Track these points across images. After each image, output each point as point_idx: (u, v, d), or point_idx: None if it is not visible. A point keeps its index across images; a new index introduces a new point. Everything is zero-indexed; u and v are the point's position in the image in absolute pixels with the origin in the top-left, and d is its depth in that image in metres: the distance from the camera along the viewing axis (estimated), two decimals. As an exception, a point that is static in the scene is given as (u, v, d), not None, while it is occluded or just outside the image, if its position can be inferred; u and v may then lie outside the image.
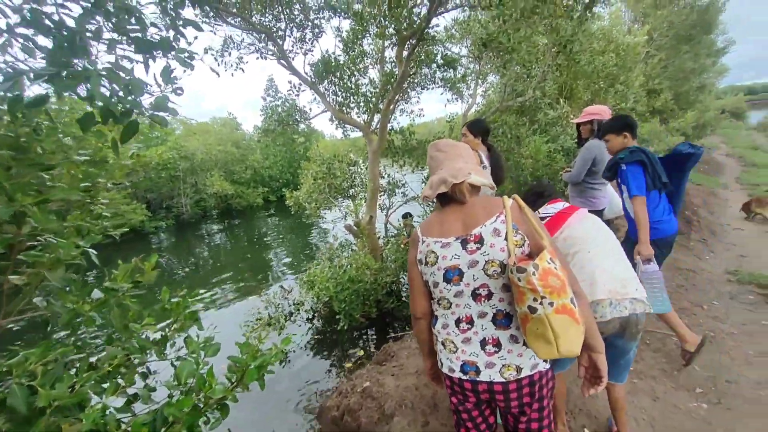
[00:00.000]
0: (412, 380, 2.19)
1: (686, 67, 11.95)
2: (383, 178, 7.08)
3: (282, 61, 4.92)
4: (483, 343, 1.13)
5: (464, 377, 1.15)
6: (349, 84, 5.49)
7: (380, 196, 7.07)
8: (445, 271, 1.15)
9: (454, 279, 1.14)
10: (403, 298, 5.13)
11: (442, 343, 1.20)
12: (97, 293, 1.36)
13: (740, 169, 11.04)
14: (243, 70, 5.25)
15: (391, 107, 5.13)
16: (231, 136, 18.73)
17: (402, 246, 5.58)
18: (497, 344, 1.12)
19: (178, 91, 1.68)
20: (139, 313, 1.44)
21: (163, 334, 1.66)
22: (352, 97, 5.61)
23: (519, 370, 1.10)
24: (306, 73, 5.13)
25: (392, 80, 5.06)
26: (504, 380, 1.10)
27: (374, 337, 5.08)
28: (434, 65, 5.06)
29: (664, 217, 2.41)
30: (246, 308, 6.62)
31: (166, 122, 1.38)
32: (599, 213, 3.10)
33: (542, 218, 1.77)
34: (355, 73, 5.56)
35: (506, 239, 1.08)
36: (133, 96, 1.26)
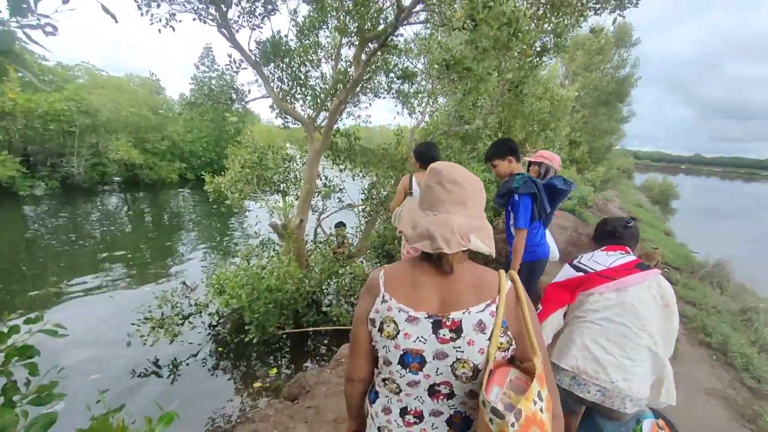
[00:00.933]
0: (330, 431, 1.87)
1: (602, 126, 13.69)
2: (320, 179, 6.67)
3: (223, 30, 4.27)
4: None
5: None
6: (298, 73, 5.01)
7: (314, 198, 6.64)
8: (403, 353, 0.88)
9: (412, 366, 0.88)
10: (324, 309, 4.77)
11: (378, 429, 0.95)
12: None
13: (628, 221, 12.83)
14: (173, 29, 4.45)
15: (341, 108, 4.79)
16: (149, 99, 16.35)
17: (332, 254, 5.23)
18: None
19: (48, 29, 1.18)
20: None
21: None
22: (299, 88, 5.14)
23: None
24: (250, 50, 4.54)
25: (345, 80, 4.74)
26: None
27: (288, 352, 4.62)
28: (392, 75, 4.85)
29: (542, 241, 2.65)
30: (138, 299, 5.65)
31: (2, 72, 0.91)
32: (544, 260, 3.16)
33: (584, 271, 1.58)
34: (306, 63, 5.10)
35: (490, 339, 0.83)
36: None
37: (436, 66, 4.00)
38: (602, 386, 1.41)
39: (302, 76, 5.09)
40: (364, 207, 5.82)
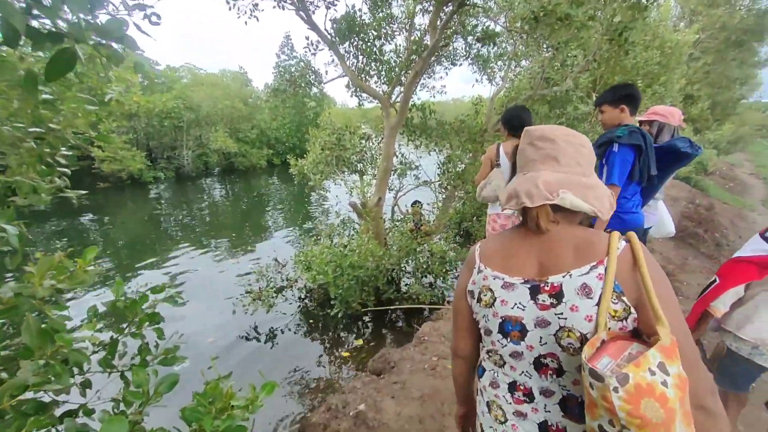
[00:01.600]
0: (416, 408, 1.87)
1: (730, 75, 11.18)
2: (396, 157, 6.64)
3: (301, 13, 4.35)
4: (543, 428, 0.80)
5: None
6: (372, 48, 4.93)
7: (391, 176, 6.64)
8: (502, 321, 0.82)
9: (512, 334, 0.81)
10: (403, 287, 4.80)
11: (488, 404, 0.89)
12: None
13: (766, 191, 10.53)
14: (257, 19, 4.68)
15: (416, 80, 4.61)
16: (240, 91, 17.89)
17: (408, 233, 5.21)
18: None
19: (153, 18, 1.23)
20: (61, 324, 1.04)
21: (113, 336, 1.28)
22: (373, 64, 5.07)
23: None
24: (326, 30, 4.57)
25: (420, 50, 4.52)
26: None
27: (370, 327, 4.80)
28: (470, 38, 4.48)
29: (636, 209, 2.22)
30: (236, 271, 6.36)
31: (119, 57, 0.97)
32: (645, 231, 2.72)
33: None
34: (381, 37, 4.99)
35: (598, 305, 0.71)
36: (70, 11, 0.84)
37: (521, 22, 3.56)
38: None
39: (377, 51, 5.01)
40: (440, 183, 5.63)
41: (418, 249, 4.77)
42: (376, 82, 5.42)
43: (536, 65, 5.87)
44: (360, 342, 4.33)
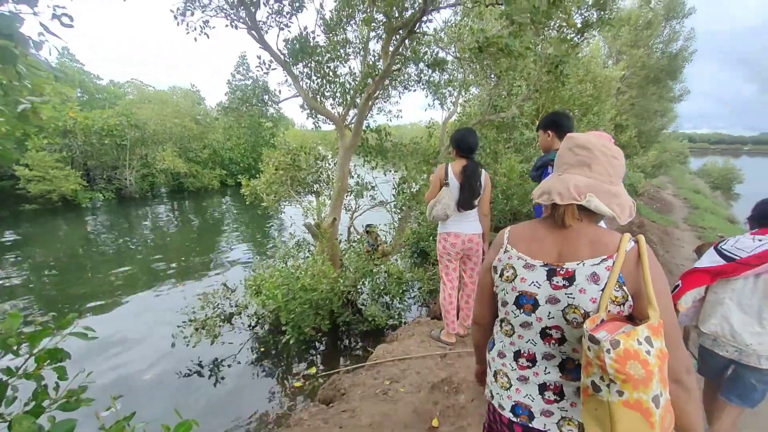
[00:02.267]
0: (365, 438, 1.76)
1: (651, 107, 12.60)
2: (352, 177, 6.63)
3: (252, 32, 4.31)
4: (542, 388, 0.97)
5: (514, 419, 0.99)
6: (326, 70, 4.97)
7: (347, 197, 6.61)
8: (518, 294, 0.98)
9: (525, 306, 0.97)
10: (361, 308, 4.70)
11: (494, 374, 1.06)
12: None
13: (687, 210, 11.77)
14: (207, 36, 4.56)
15: (370, 103, 4.68)
16: (191, 110, 17.23)
17: (365, 254, 5.16)
18: (559, 393, 0.95)
19: (64, 19, 1.14)
20: None
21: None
22: (328, 85, 5.10)
23: (581, 430, 0.91)
24: (279, 51, 4.55)
25: (374, 74, 4.62)
26: None
27: (325, 352, 4.62)
28: (421, 64, 4.67)
29: None
30: (181, 300, 5.91)
31: (10, 56, 0.87)
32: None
33: (730, 258, 1.70)
34: (335, 59, 5.05)
35: (603, 290, 0.87)
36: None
37: (468, 51, 3.77)
38: (738, 347, 1.67)
39: (331, 73, 5.05)
40: (396, 204, 5.68)
41: (374, 270, 4.71)
42: (331, 104, 5.44)
43: (484, 92, 6.22)
44: (313, 370, 4.13)
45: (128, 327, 5.21)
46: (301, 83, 4.72)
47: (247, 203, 6.58)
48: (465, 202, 2.65)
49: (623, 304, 0.87)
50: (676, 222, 9.51)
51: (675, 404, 0.82)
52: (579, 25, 5.29)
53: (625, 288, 0.87)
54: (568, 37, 4.80)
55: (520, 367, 1.00)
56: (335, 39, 4.92)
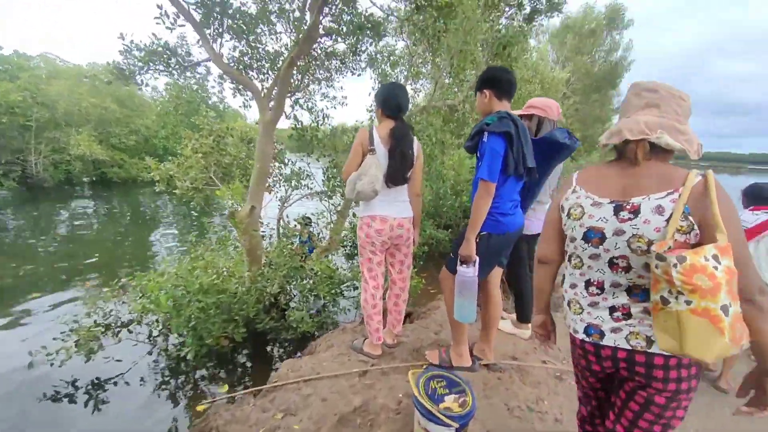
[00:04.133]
0: None
1: (593, 113, 13.11)
2: (286, 165, 5.91)
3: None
4: (612, 310, 1.06)
5: (587, 339, 1.10)
6: (249, 36, 4.21)
7: (283, 186, 5.87)
8: (587, 230, 1.07)
9: (593, 240, 1.06)
10: (286, 313, 3.98)
11: (568, 303, 1.17)
12: None
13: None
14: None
15: (295, 71, 4.03)
16: (114, 90, 15.13)
17: (295, 254, 4.46)
18: (627, 313, 1.04)
19: None
20: None
21: None
22: (250, 52, 4.36)
23: (650, 342, 0.99)
24: (188, 4, 3.73)
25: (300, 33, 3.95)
26: (629, 348, 1.02)
27: (248, 363, 3.86)
28: (354, 27, 4.00)
29: (512, 210, 1.95)
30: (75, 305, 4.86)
31: None
32: (527, 238, 2.45)
33: None
34: (263, 22, 4.31)
35: (668, 220, 0.93)
36: None
37: (410, 7, 3.25)
38: None
39: (255, 40, 4.30)
40: (330, 194, 5.06)
41: (300, 268, 4.03)
42: (255, 77, 4.68)
43: (430, 76, 5.79)
44: (224, 389, 3.36)
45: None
46: (213, 46, 3.93)
47: (157, 191, 5.61)
48: (395, 175, 2.09)
49: (689, 233, 0.92)
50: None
51: (750, 324, 0.86)
52: (528, 11, 4.99)
53: (690, 218, 0.92)
54: (515, 23, 4.48)
55: (590, 295, 1.10)
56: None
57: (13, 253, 7.34)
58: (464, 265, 1.87)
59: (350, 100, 6.11)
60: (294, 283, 4.12)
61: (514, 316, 2.72)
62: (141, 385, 3.46)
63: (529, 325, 2.60)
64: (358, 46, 4.44)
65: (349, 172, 2.13)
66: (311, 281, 4.01)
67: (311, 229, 5.24)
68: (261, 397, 1.99)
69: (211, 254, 4.48)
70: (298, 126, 5.10)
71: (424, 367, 2.14)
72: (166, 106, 17.11)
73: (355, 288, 4.61)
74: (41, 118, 12.79)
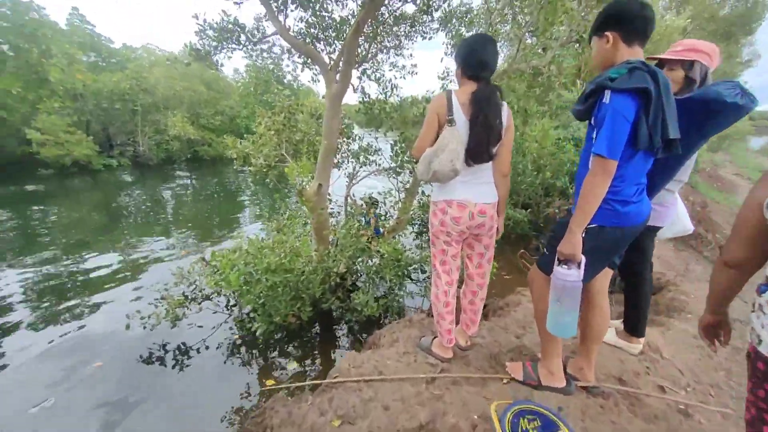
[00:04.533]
0: None
1: (717, 68, 10.69)
2: (355, 141, 5.74)
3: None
4: None
5: None
6: (316, 5, 4.00)
7: (350, 162, 5.75)
8: None
9: None
10: (351, 295, 3.91)
11: (762, 326, 0.93)
12: None
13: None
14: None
15: (362, 39, 3.72)
16: (201, 73, 16.38)
17: (364, 237, 4.31)
18: None
19: None
20: None
21: None
22: (317, 21, 4.15)
23: None
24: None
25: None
26: None
27: (317, 341, 3.91)
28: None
29: (636, 197, 1.44)
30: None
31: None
32: (650, 231, 1.90)
33: None
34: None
35: None
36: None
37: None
38: None
39: (322, 8, 4.07)
40: (399, 171, 4.77)
41: (366, 249, 3.87)
42: (323, 50, 4.49)
43: (514, 31, 5.05)
44: (294, 365, 3.43)
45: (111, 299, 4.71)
46: (279, 17, 3.78)
47: (235, 168, 5.88)
48: (478, 150, 1.70)
49: None
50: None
51: None
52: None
53: None
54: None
55: None
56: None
57: (135, 221, 8.48)
58: (564, 266, 1.46)
59: (420, 69, 5.66)
60: (359, 264, 3.99)
61: (619, 323, 2.21)
62: (218, 352, 3.68)
63: (641, 339, 2.08)
64: (430, 3, 3.94)
65: (422, 149, 1.79)
66: (377, 263, 3.84)
67: (377, 210, 5.05)
68: (319, 393, 1.86)
69: (283, 232, 4.57)
70: (365, 99, 4.84)
71: (505, 381, 1.81)
72: (247, 87, 18.15)
73: (423, 272, 4.36)
74: (145, 103, 14.41)
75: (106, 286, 5.20)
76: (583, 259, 1.44)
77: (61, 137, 12.12)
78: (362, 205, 4.85)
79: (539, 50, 6.55)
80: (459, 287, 2.09)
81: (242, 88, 18.29)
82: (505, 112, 1.75)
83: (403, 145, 4.45)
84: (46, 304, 4.71)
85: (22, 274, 5.58)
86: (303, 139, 5.53)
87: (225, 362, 3.54)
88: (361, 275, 4.20)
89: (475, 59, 1.67)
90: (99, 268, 5.79)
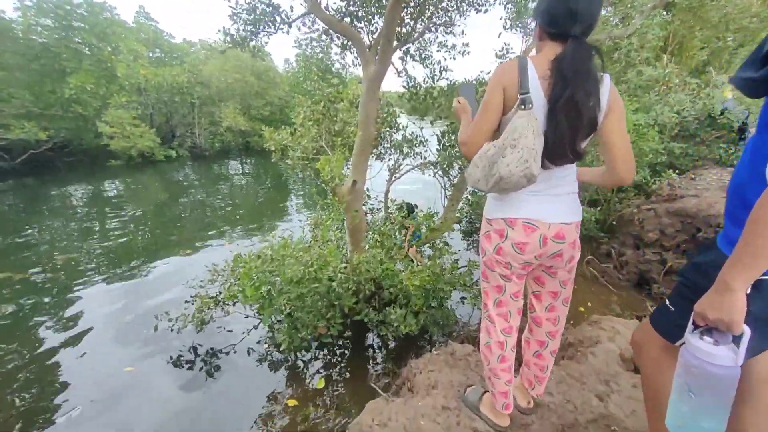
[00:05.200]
0: None
1: None
2: (399, 130, 5.25)
3: None
4: None
5: None
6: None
7: (392, 155, 5.28)
8: None
9: None
10: (386, 309, 3.46)
11: None
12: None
13: None
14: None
15: (407, 14, 3.18)
16: (252, 64, 16.60)
17: (405, 249, 3.82)
18: None
19: None
20: None
21: None
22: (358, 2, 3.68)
23: None
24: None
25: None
26: None
27: (347, 353, 3.56)
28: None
29: None
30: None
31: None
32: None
33: None
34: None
35: None
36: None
37: None
38: None
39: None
40: (446, 167, 4.19)
41: (392, 272, 3.32)
42: (363, 29, 4.01)
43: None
44: (321, 384, 3.09)
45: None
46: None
47: (273, 160, 5.65)
48: (560, 146, 1.15)
49: None
50: None
51: None
52: None
53: None
54: None
55: None
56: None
57: (191, 210, 8.79)
58: (709, 337, 0.89)
59: (474, 47, 4.97)
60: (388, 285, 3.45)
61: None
62: (246, 361, 3.45)
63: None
64: None
65: (477, 143, 1.24)
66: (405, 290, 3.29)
67: (416, 213, 4.51)
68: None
69: (321, 229, 4.23)
70: (409, 83, 4.30)
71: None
72: (297, 76, 18.25)
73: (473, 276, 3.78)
74: (201, 96, 14.95)
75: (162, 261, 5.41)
76: (747, 331, 0.85)
77: (127, 130, 12.94)
78: (399, 208, 4.33)
79: (615, 21, 5.62)
80: (520, 333, 1.55)
81: (292, 78, 18.44)
82: (606, 86, 1.16)
83: (452, 136, 3.88)
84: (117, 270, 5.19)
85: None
86: (342, 129, 5.13)
87: (249, 372, 3.30)
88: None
89: (562, 6, 1.09)
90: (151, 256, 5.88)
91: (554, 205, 1.24)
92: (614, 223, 5.29)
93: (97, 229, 7.39)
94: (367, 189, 4.66)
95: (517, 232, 1.25)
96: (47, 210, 8.68)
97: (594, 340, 2.07)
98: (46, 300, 4.52)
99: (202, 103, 15.44)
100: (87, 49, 13.19)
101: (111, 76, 13.45)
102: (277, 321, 3.15)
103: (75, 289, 4.81)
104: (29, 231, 7.05)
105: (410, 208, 4.26)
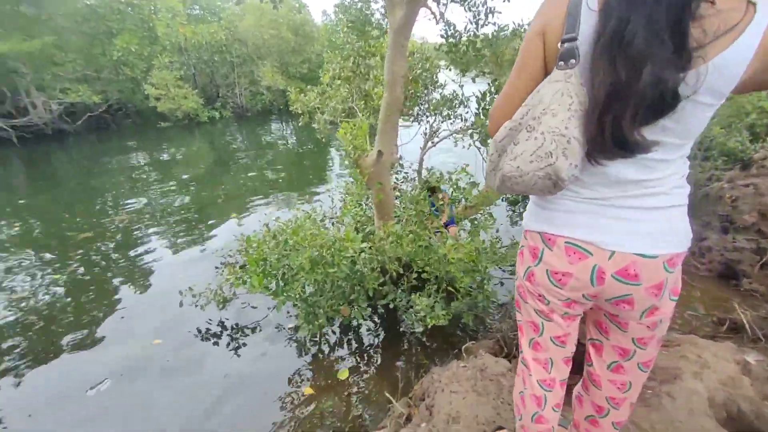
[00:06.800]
0: None
1: None
2: (440, 88, 4.64)
3: None
4: None
5: None
6: None
7: (429, 118, 4.72)
8: None
9: None
10: (412, 297, 3.11)
11: None
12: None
13: None
14: None
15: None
16: (289, 19, 15.82)
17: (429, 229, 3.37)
18: None
19: None
20: None
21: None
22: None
23: None
24: None
25: None
26: None
27: (377, 340, 3.33)
28: None
29: None
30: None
31: None
32: None
33: None
34: None
35: None
36: None
37: None
38: None
39: None
40: (485, 134, 3.58)
41: (427, 248, 2.92)
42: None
43: None
44: (344, 374, 2.86)
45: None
46: None
47: (300, 124, 5.31)
48: (594, 125, 0.66)
49: None
50: None
51: None
52: None
53: None
54: None
55: None
56: None
57: (235, 173, 8.88)
58: None
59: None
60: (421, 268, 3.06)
61: None
62: (270, 339, 3.35)
63: None
64: None
65: (501, 117, 0.79)
66: (444, 270, 2.88)
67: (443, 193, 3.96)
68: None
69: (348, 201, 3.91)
70: (448, 32, 3.62)
71: None
72: (334, 29, 17.27)
73: (513, 255, 3.31)
74: (240, 54, 14.67)
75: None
76: None
77: (172, 92, 13.13)
78: (429, 189, 3.82)
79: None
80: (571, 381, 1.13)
81: (331, 31, 17.48)
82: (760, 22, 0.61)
83: (495, 96, 3.24)
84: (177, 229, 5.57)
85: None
86: (372, 89, 4.60)
87: (274, 352, 3.18)
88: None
89: None
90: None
91: (626, 224, 0.75)
92: (698, 202, 4.38)
93: (153, 193, 7.55)
94: (401, 157, 4.19)
95: (556, 255, 0.81)
96: (106, 171, 9.11)
97: (672, 374, 1.59)
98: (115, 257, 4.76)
99: (242, 62, 15.20)
100: (129, 9, 13.25)
101: (153, 36, 13.50)
102: (294, 305, 2.94)
103: (138, 250, 4.97)
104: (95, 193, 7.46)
105: (436, 189, 3.74)
